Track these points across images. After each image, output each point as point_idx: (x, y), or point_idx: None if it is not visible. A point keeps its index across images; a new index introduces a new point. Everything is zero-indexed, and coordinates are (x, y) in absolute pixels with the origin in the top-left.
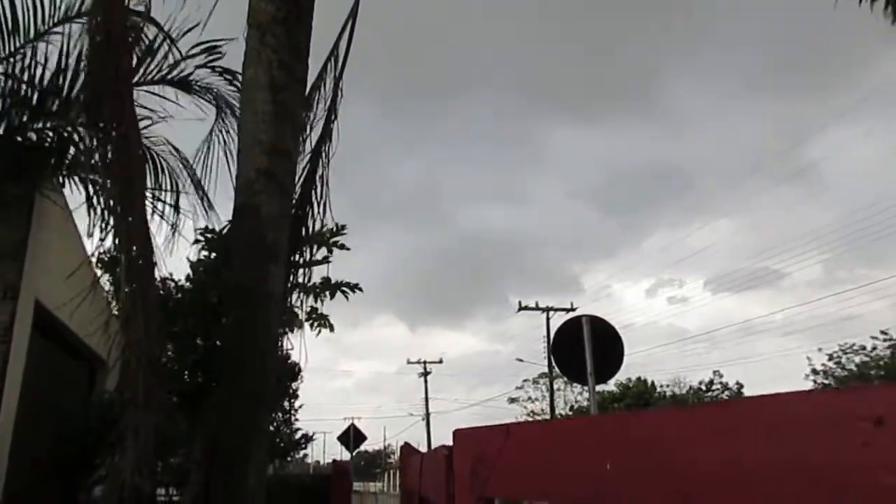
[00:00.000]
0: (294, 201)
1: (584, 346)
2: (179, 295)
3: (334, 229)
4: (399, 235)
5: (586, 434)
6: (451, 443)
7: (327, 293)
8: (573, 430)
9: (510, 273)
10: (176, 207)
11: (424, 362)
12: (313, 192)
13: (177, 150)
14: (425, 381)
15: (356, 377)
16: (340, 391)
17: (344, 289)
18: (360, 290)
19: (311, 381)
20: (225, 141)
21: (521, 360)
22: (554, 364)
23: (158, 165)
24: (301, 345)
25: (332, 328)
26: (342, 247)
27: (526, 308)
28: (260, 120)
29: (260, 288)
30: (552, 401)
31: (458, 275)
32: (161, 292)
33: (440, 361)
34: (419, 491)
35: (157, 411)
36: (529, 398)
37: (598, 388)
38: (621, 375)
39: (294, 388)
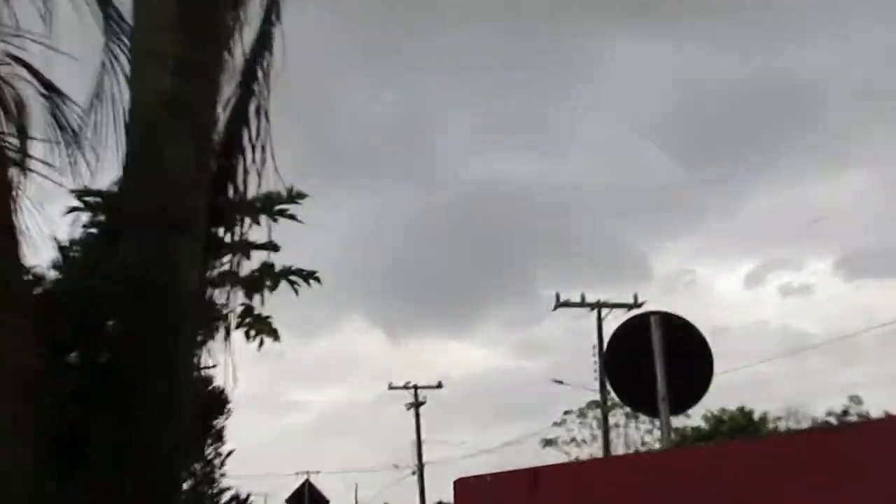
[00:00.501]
0: (216, 147)
1: (654, 360)
2: (41, 290)
3: (285, 193)
4: (375, 199)
5: (657, 475)
6: (451, 501)
7: (268, 285)
8: (639, 469)
9: (541, 253)
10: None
11: (415, 387)
12: (245, 133)
13: (47, 84)
14: (416, 416)
15: (314, 410)
16: (290, 431)
17: (293, 279)
18: (318, 280)
19: (246, 417)
20: (119, 65)
21: (559, 383)
22: (609, 387)
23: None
24: (229, 362)
25: (276, 337)
26: (292, 218)
27: (566, 304)
28: (159, 25)
29: (165, 277)
30: (607, 442)
31: (463, 257)
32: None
33: (438, 386)
34: None
35: (25, 462)
36: (573, 440)
37: (677, 421)
38: (710, 402)
39: (219, 426)
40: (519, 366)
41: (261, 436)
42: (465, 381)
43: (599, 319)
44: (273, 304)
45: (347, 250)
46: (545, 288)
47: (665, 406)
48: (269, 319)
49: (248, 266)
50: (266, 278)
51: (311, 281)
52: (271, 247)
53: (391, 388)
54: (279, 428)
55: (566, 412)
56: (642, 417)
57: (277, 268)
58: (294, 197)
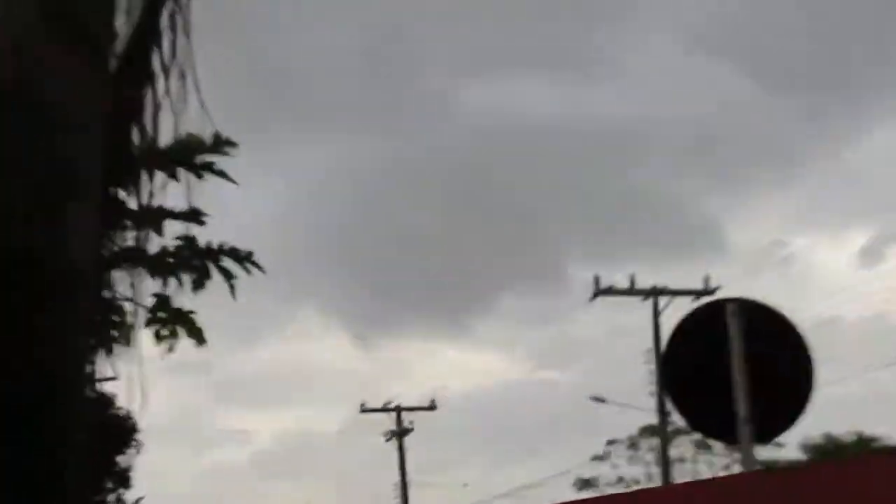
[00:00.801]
0: (114, 73)
1: (732, 366)
2: None
3: (211, 140)
4: (336, 149)
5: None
6: None
7: (191, 270)
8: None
9: (570, 219)
10: None
11: (398, 409)
12: (156, 54)
13: None
14: (400, 450)
15: (257, 443)
16: (224, 472)
17: (223, 262)
18: (259, 266)
19: (163, 452)
20: None
21: (599, 401)
22: (670, 405)
23: None
24: (136, 375)
25: (200, 339)
26: (221, 175)
27: (608, 291)
28: None
29: (44, 252)
30: (667, 482)
31: (460, 226)
32: None
33: (430, 407)
34: None
35: None
36: (620, 479)
37: (764, 452)
38: (811, 426)
39: (124, 464)
40: (542, 378)
41: (182, 478)
42: (466, 401)
43: (656, 312)
44: (200, 297)
45: (298, 220)
46: (578, 268)
47: (748, 431)
48: (191, 315)
49: (162, 242)
50: (186, 259)
51: (248, 266)
52: (193, 216)
53: (364, 410)
54: (209, 467)
55: (610, 442)
56: (718, 447)
57: (202, 244)
58: (223, 145)
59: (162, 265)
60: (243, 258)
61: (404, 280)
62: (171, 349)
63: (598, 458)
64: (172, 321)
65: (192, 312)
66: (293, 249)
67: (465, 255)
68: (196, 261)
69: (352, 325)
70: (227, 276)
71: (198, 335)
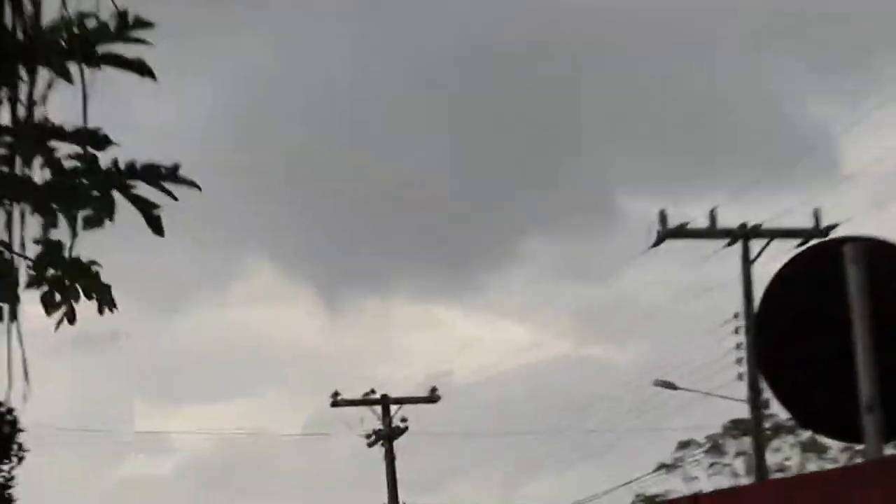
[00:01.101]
0: None
1: (851, 331)
2: None
3: (115, 23)
4: (291, 30)
5: None
6: None
7: (90, 202)
8: None
9: (620, 131)
10: None
11: (384, 402)
12: None
13: None
14: (389, 460)
15: (188, 450)
16: (143, 488)
17: (136, 191)
18: (195, 185)
19: (57, 459)
20: None
21: (667, 387)
22: (767, 391)
23: None
24: (15, 355)
25: (109, 303)
26: (130, 69)
27: (678, 233)
28: None
29: None
30: None
31: (467, 146)
32: None
33: (430, 398)
34: None
35: None
36: (695, 498)
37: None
38: None
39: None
40: (586, 356)
41: (87, 496)
42: (479, 389)
43: (746, 260)
44: (101, 244)
45: (239, 138)
46: (632, 200)
47: (873, 421)
48: (95, 268)
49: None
50: (82, 187)
51: (176, 187)
52: (88, 137)
53: (337, 402)
54: (121, 482)
55: (682, 444)
56: (835, 448)
57: (105, 164)
58: (132, 28)
59: (51, 196)
60: (164, 176)
61: (391, 221)
62: (68, 319)
63: (667, 466)
64: (67, 278)
65: (94, 263)
66: (234, 179)
67: (475, 184)
68: (97, 189)
69: (318, 282)
70: (145, 206)
71: (104, 297)
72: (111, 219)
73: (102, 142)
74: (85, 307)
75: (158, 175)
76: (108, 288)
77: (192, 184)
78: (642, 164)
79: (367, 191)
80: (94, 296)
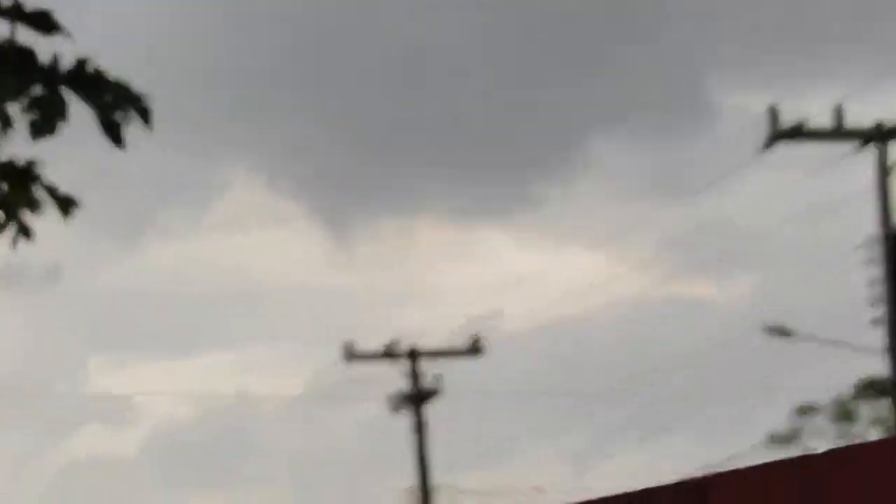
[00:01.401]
0: None
1: None
2: None
3: None
4: None
5: None
6: None
7: (34, 105)
8: None
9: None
10: None
11: (413, 354)
12: None
13: None
14: (418, 431)
15: (158, 417)
16: (101, 467)
17: (93, 94)
18: (144, 110)
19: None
20: None
21: (780, 335)
22: None
23: None
24: None
25: (66, 208)
26: None
27: (795, 133)
28: None
29: None
30: None
31: (510, 20)
32: None
33: (473, 350)
34: None
35: None
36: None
37: None
38: None
39: None
40: (671, 293)
41: (22, 480)
42: (533, 336)
43: (884, 169)
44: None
45: (217, 12)
46: (729, 90)
47: None
48: (33, 174)
49: None
50: (20, 84)
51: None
52: (34, 18)
53: (352, 356)
54: (69, 461)
55: (801, 409)
56: None
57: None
58: None
59: None
60: (115, 90)
61: (415, 117)
62: (24, 234)
63: (780, 438)
64: (10, 194)
65: (31, 166)
66: (211, 70)
67: (526, 71)
68: (42, 88)
69: (322, 199)
70: (103, 110)
71: (61, 204)
72: (53, 129)
73: (50, 26)
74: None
75: (105, 85)
76: (67, 200)
77: (140, 107)
78: (741, 46)
79: (384, 78)
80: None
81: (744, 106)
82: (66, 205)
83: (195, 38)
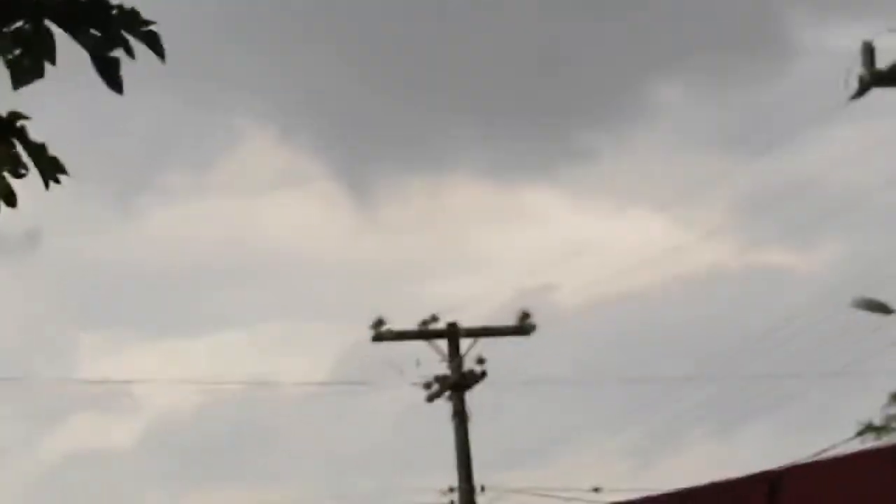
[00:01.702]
0: None
1: None
2: None
3: None
4: None
5: None
6: None
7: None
8: None
9: None
10: None
11: (452, 332)
12: None
13: None
14: (460, 422)
15: (159, 405)
16: (95, 462)
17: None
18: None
19: None
20: None
21: (876, 309)
22: None
23: None
24: None
25: (52, 173)
26: None
27: (893, 77)
28: None
29: None
30: None
31: None
32: None
33: (523, 328)
34: None
35: None
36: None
37: None
38: None
39: None
40: (750, 261)
41: (8, 474)
42: (591, 312)
43: None
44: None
45: None
46: (813, 26)
47: None
48: (17, 128)
49: None
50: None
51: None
52: None
53: (380, 335)
54: (60, 454)
55: None
56: None
57: None
58: None
59: None
60: (120, 21)
61: (443, 59)
62: (6, 201)
63: (874, 429)
64: None
65: (19, 117)
66: (214, 12)
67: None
68: (23, 15)
69: (343, 155)
70: (97, 47)
71: (48, 165)
72: (52, 62)
73: None
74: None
75: (109, 17)
76: (53, 160)
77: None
78: None
79: (409, 12)
80: (24, 169)
81: (831, 45)
82: (51, 169)
83: None
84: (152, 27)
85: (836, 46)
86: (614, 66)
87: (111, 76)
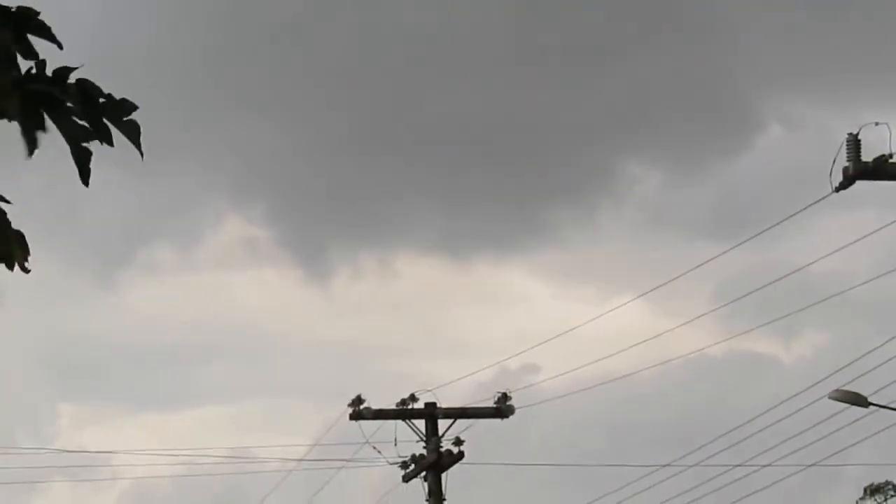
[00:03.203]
0: None
1: None
2: None
3: None
4: None
5: None
6: None
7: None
8: None
9: None
10: None
11: (430, 413)
12: None
13: None
14: None
15: (135, 479)
16: None
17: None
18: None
19: None
20: None
21: (855, 402)
22: None
23: None
24: None
25: (22, 260)
26: None
27: (880, 170)
28: None
29: None
30: None
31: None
32: None
33: (502, 410)
34: None
35: None
36: None
37: None
38: None
39: None
40: (730, 350)
41: None
42: (569, 395)
43: None
44: None
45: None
46: (790, 102)
47: None
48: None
49: None
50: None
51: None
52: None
53: (359, 415)
54: None
55: (872, 489)
56: None
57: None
58: None
59: None
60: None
61: (402, 125)
62: None
63: None
64: None
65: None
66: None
67: (530, 69)
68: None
69: (298, 231)
70: (77, 136)
71: (13, 247)
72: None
73: (36, 28)
74: None
75: (103, 98)
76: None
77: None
78: (792, 47)
79: (358, 78)
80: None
81: (812, 123)
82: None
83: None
84: (133, 116)
85: (816, 127)
86: (583, 137)
87: (82, 166)
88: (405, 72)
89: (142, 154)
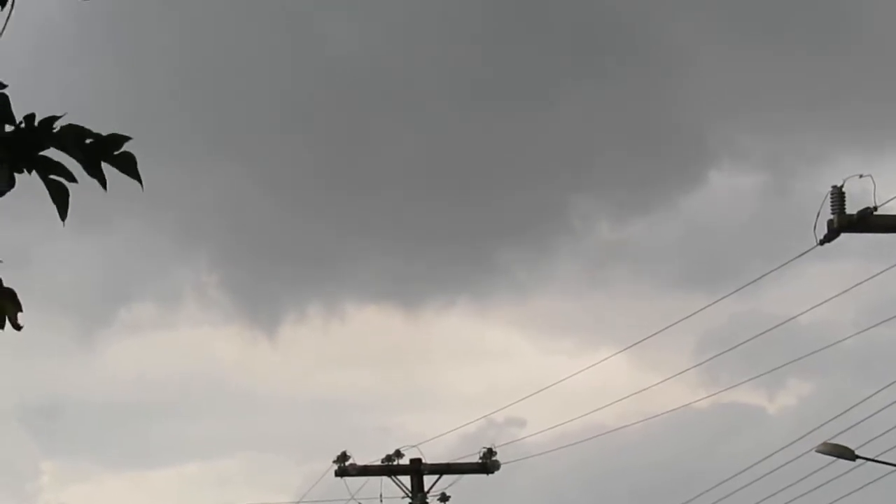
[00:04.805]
0: None
1: None
2: None
3: None
4: None
5: None
6: None
7: None
8: None
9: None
10: None
11: (416, 469)
12: None
13: None
14: None
15: None
16: None
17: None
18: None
19: None
20: None
21: (842, 455)
22: None
23: None
24: None
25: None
26: None
27: (865, 222)
28: None
29: None
30: None
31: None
32: None
33: (487, 466)
34: None
35: None
36: None
37: None
38: None
39: None
40: (715, 402)
41: None
42: (554, 450)
43: None
44: None
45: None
46: (783, 155)
47: None
48: None
49: None
50: None
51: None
52: None
53: (344, 471)
54: None
55: None
56: None
57: None
58: None
59: None
60: (100, 147)
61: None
62: None
63: None
64: None
65: None
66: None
67: (486, 105)
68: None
69: (246, 289)
70: (60, 184)
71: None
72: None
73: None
74: None
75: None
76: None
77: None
78: (744, 76)
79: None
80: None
81: (796, 175)
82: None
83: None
84: (126, 147)
85: (801, 181)
86: (538, 176)
87: (60, 204)
88: (352, 114)
89: (141, 184)
